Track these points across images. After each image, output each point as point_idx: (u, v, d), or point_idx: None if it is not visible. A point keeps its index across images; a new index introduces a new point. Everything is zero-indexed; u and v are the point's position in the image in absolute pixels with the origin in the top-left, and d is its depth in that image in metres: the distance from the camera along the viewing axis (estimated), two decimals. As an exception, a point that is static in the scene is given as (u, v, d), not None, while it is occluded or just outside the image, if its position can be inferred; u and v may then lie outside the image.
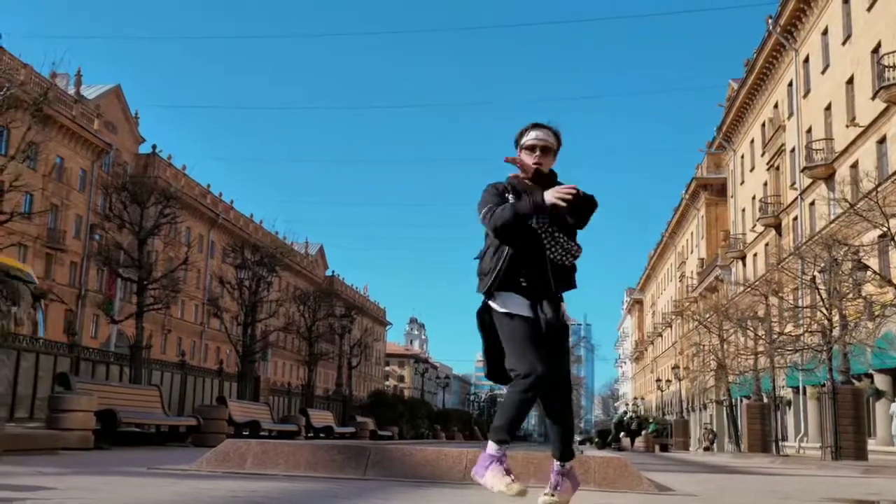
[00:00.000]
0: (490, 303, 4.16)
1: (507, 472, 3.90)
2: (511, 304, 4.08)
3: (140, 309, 15.08)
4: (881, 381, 25.14)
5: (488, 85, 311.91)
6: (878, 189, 19.57)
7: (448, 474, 6.40)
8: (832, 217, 31.15)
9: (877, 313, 20.10)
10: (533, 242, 4.10)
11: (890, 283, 16.09)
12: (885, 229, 16.92)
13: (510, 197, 4.10)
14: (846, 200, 18.67)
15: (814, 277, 20.07)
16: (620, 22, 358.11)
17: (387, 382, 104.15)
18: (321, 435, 20.17)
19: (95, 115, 46.55)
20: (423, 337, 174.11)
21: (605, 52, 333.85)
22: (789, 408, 35.84)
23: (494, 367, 4.20)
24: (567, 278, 4.19)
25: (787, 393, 35.10)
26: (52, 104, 40.40)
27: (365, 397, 34.84)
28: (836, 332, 19.80)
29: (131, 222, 14.92)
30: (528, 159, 4.13)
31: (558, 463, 4.24)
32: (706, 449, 43.77)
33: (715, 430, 49.70)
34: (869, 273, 19.81)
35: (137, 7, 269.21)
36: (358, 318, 41.23)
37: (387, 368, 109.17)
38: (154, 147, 49.46)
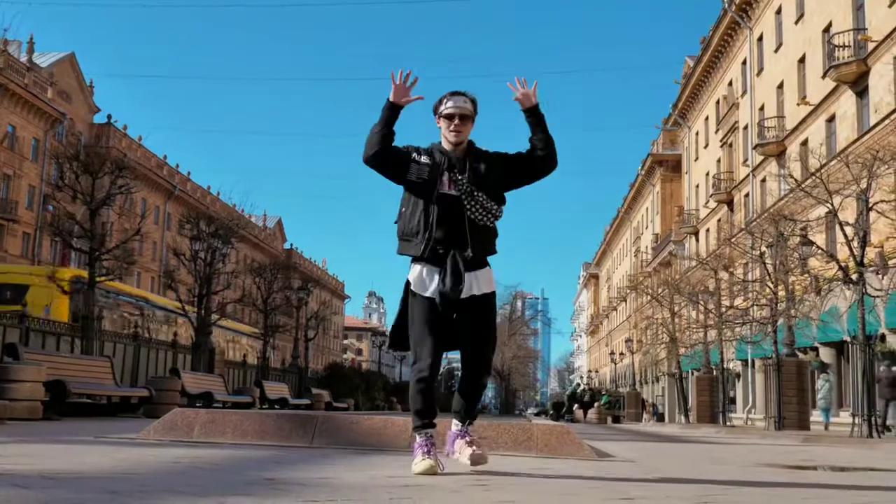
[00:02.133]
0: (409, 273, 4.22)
1: (427, 452, 4.11)
2: (419, 281, 4.14)
3: (92, 280, 14.87)
4: (826, 354, 25.63)
5: (445, 60, 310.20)
6: (825, 167, 19.95)
7: (394, 443, 6.47)
8: (782, 194, 31.68)
9: (822, 287, 20.59)
10: (451, 202, 4.09)
11: (834, 258, 16.48)
12: (829, 207, 17.27)
13: (422, 158, 4.15)
14: (793, 178, 19.03)
15: (762, 253, 20.45)
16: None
17: (345, 356, 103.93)
18: (276, 406, 20.19)
19: (49, 83, 45.38)
20: (381, 310, 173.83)
21: (562, 30, 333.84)
22: (738, 380, 36.49)
23: (400, 333, 4.32)
24: (487, 241, 4.20)
25: (735, 366, 35.75)
26: (1, 71, 39.41)
27: (320, 370, 34.79)
28: (781, 306, 20.24)
29: (83, 192, 14.65)
30: (447, 127, 4.15)
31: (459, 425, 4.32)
32: (659, 420, 44.46)
33: (665, 402, 50.60)
34: (814, 248, 20.23)
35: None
36: (315, 291, 41.01)
37: (345, 342, 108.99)
38: (109, 117, 48.45)
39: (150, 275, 58.17)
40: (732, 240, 27.53)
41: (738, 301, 25.94)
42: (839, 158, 17.70)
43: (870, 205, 16.10)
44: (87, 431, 8.13)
